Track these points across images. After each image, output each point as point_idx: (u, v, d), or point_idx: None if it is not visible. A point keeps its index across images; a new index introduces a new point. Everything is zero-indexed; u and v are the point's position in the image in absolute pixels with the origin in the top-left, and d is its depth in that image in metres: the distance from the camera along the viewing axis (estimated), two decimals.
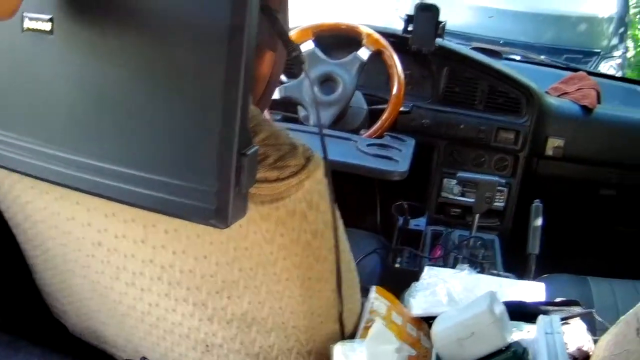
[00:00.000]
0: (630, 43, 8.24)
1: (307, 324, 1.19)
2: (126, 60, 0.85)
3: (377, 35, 2.69)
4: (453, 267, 2.16)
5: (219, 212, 0.85)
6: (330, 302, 1.20)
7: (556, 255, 2.68)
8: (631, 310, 1.26)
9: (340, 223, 1.14)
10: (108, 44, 0.86)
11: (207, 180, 0.84)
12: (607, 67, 5.95)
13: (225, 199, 0.84)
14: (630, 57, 7.99)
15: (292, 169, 0.97)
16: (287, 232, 1.02)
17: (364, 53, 2.66)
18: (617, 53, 6.18)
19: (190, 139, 0.84)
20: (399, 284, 1.66)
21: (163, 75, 0.84)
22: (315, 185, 1.02)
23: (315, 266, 1.11)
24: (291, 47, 1.15)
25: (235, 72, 0.80)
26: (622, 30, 6.35)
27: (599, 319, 1.68)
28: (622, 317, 1.31)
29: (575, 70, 3.38)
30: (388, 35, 2.77)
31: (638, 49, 8.58)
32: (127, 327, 1.32)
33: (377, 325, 1.31)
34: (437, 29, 2.72)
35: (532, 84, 2.91)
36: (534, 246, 2.36)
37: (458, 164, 2.96)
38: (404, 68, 2.73)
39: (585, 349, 1.47)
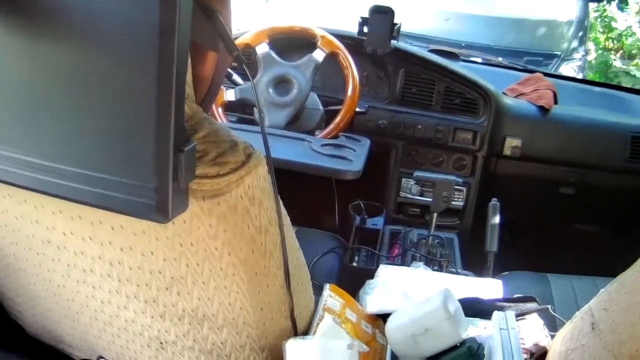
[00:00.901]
0: (591, 46, 8.37)
1: (257, 320, 1.20)
2: (61, 61, 0.85)
3: (331, 37, 2.72)
4: (410, 265, 2.18)
5: (159, 208, 0.85)
6: (280, 298, 1.21)
7: (516, 253, 2.72)
8: (586, 306, 1.28)
9: (287, 220, 1.16)
10: (42, 44, 0.86)
11: (146, 176, 0.84)
12: (568, 69, 6.01)
13: (164, 194, 0.85)
14: (592, 60, 8.11)
15: (231, 165, 0.99)
16: (230, 227, 1.03)
17: (318, 55, 2.68)
18: (577, 55, 6.25)
19: (128, 138, 0.84)
20: (356, 282, 1.68)
21: (99, 75, 0.84)
22: (256, 182, 1.04)
23: (261, 262, 1.11)
24: (231, 47, 1.16)
25: (167, 70, 0.80)
26: (581, 33, 6.41)
27: (556, 314, 1.70)
28: (577, 313, 1.32)
29: (532, 71, 3.42)
30: (343, 37, 2.80)
31: (599, 52, 8.70)
32: (82, 325, 1.32)
33: (327, 322, 1.32)
34: (392, 31, 2.73)
35: (489, 85, 2.94)
36: (492, 244, 2.39)
37: (417, 164, 2.99)
38: (360, 70, 2.76)
39: (542, 344, 1.50)
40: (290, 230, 1.19)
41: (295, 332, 1.30)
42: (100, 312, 1.26)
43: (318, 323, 1.34)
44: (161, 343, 1.25)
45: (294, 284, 1.22)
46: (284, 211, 1.15)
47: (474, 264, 2.48)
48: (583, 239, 3.18)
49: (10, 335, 1.50)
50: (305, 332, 1.33)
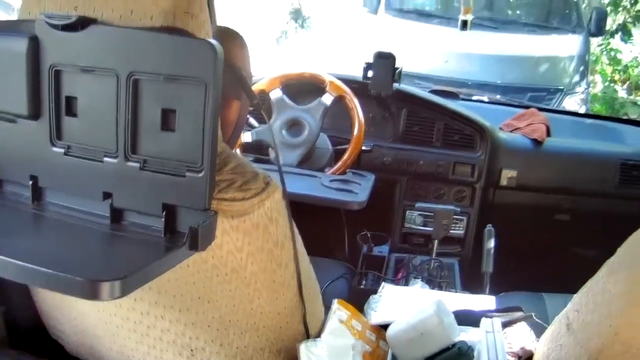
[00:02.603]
0: (598, 78, 8.49)
1: (275, 324, 1.40)
2: None
3: (338, 82, 2.91)
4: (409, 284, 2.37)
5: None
6: (294, 304, 1.41)
7: (515, 277, 2.80)
8: (563, 310, 1.47)
9: (299, 238, 1.37)
10: None
11: None
12: (571, 102, 6.15)
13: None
14: (597, 93, 8.23)
15: (254, 191, 1.22)
16: (253, 241, 1.25)
17: (327, 99, 2.88)
18: (579, 89, 6.38)
19: None
20: (363, 302, 1.86)
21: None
22: (274, 205, 1.27)
23: (278, 271, 1.33)
24: (252, 97, 1.42)
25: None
26: (582, 68, 6.55)
27: (539, 321, 1.85)
28: (556, 317, 1.51)
29: (527, 107, 3.61)
30: (349, 81, 2.99)
31: (605, 84, 8.80)
32: (121, 339, 1.48)
33: (334, 322, 1.52)
34: (394, 74, 2.93)
35: (485, 121, 3.13)
36: (488, 265, 2.56)
37: (420, 197, 3.15)
38: (366, 111, 2.95)
39: (528, 348, 1.68)
40: (301, 247, 1.39)
41: (308, 336, 1.48)
42: (139, 324, 1.41)
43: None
44: (191, 350, 1.41)
45: (305, 292, 1.42)
46: (296, 231, 1.35)
47: (474, 286, 2.63)
48: (579, 262, 3.19)
49: (51, 354, 1.62)
50: (316, 337, 1.49)
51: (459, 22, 3.16)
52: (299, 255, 1.38)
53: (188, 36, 1.12)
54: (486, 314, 1.81)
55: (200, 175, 1.09)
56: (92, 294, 0.98)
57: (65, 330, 1.60)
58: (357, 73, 3.11)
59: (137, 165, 1.13)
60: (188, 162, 1.10)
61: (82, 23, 1.10)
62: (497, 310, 1.89)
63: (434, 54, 6.19)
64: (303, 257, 1.41)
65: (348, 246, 3.10)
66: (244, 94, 1.46)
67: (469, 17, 3.12)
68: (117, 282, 0.98)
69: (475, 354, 1.58)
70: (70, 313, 1.53)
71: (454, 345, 1.57)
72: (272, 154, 2.89)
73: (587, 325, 1.34)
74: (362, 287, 2.61)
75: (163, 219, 1.13)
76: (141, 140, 1.13)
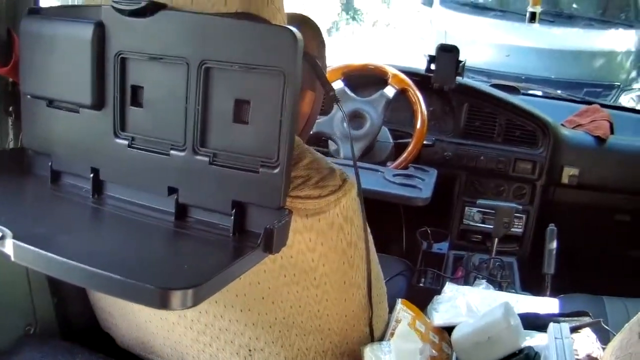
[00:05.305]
0: None
1: (341, 326, 1.35)
2: None
3: (402, 75, 2.87)
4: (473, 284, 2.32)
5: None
6: (361, 307, 1.36)
7: (573, 278, 2.80)
8: (634, 318, 1.42)
9: (370, 237, 1.32)
10: None
11: None
12: (627, 99, 6.04)
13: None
14: None
15: (331, 188, 1.17)
16: (327, 241, 1.20)
17: (389, 91, 2.83)
18: (636, 86, 6.27)
19: None
20: (423, 301, 1.81)
21: None
22: (350, 203, 1.22)
23: (349, 272, 1.28)
24: (329, 87, 1.35)
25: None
26: None
27: (607, 328, 1.80)
28: (626, 325, 1.46)
29: (590, 103, 3.53)
30: (412, 74, 2.95)
31: None
32: (176, 335, 1.45)
33: (403, 326, 1.48)
34: (457, 68, 2.90)
35: (547, 117, 3.07)
36: (550, 266, 2.50)
37: (479, 193, 3.11)
38: (427, 105, 2.90)
39: (594, 355, 1.61)
40: (372, 246, 1.34)
41: (372, 339, 1.43)
42: (196, 322, 1.38)
43: (392, 332, 1.48)
44: (250, 350, 1.38)
45: (373, 294, 1.36)
46: (369, 230, 1.30)
47: (532, 287, 2.58)
48: (638, 264, 3.25)
49: (103, 347, 1.60)
50: (380, 340, 1.46)
51: (527, 14, 3.09)
52: (370, 254, 1.33)
53: (264, 23, 1.08)
54: (553, 318, 1.75)
55: (276, 171, 1.05)
56: (162, 304, 0.93)
57: (118, 323, 1.59)
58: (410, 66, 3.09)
59: (206, 159, 1.10)
60: (262, 156, 1.06)
61: (151, 8, 1.07)
62: (563, 315, 1.83)
63: (488, 47, 6.13)
64: (373, 257, 1.37)
65: (405, 242, 3.08)
66: (318, 85, 1.41)
67: (538, 9, 3.05)
68: (190, 290, 0.93)
69: (542, 359, 1.52)
70: (124, 307, 1.51)
71: (520, 351, 1.53)
72: (332, 147, 2.86)
73: None
74: (421, 285, 2.59)
75: (232, 217, 1.09)
76: (211, 133, 1.09)
